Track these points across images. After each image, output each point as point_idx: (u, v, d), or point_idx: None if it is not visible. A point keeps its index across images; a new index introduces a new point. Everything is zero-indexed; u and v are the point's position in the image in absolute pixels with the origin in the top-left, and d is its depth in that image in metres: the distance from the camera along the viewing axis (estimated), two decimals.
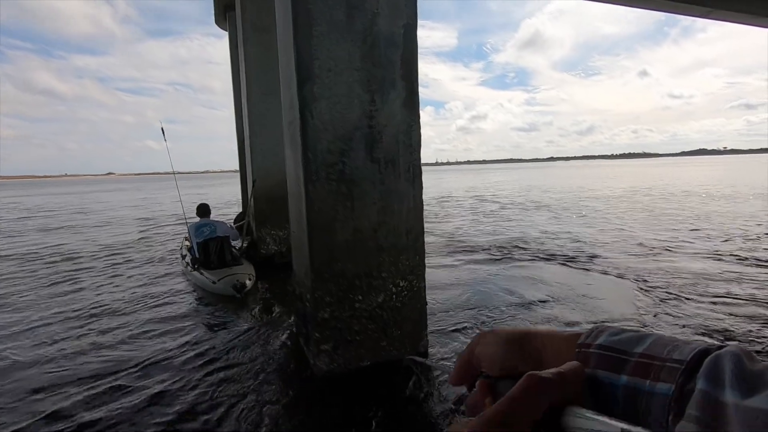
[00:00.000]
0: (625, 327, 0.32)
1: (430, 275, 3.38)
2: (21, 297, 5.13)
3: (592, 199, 15.87)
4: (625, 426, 0.24)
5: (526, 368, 0.29)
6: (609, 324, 0.32)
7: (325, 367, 2.92)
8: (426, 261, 3.15)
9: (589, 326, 0.33)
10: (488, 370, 0.34)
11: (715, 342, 0.27)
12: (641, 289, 4.70)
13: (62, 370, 3.19)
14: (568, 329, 0.34)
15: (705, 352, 0.27)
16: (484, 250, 7.04)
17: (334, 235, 2.87)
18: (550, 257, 6.37)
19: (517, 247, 7.22)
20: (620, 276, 5.27)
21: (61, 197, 31.10)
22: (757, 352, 3.11)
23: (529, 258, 6.35)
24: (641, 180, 28.66)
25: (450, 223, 10.37)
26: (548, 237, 8.12)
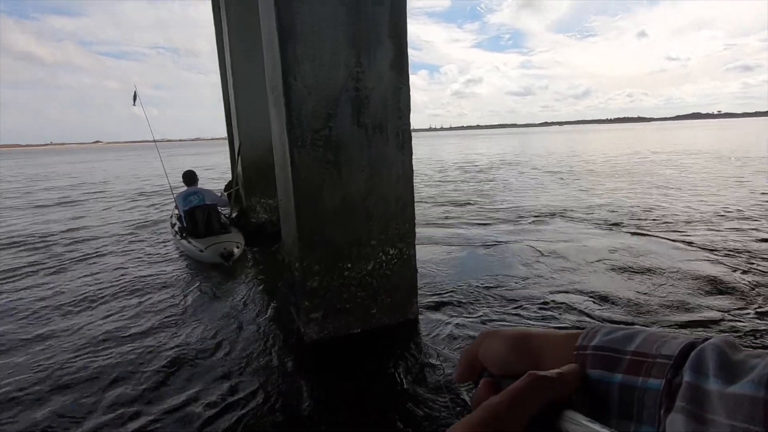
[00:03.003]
0: (617, 326, 0.33)
1: None
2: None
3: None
4: None
5: (525, 368, 0.30)
6: (603, 324, 0.34)
7: (315, 335, 2.93)
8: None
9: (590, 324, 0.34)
10: (491, 368, 0.36)
11: (702, 335, 0.26)
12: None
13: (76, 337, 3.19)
14: (566, 330, 0.35)
15: (691, 345, 0.28)
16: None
17: (322, 203, 2.80)
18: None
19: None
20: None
21: (57, 167, 30.53)
22: None
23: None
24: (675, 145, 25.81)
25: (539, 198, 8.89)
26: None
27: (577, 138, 50.67)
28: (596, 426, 0.27)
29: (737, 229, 5.66)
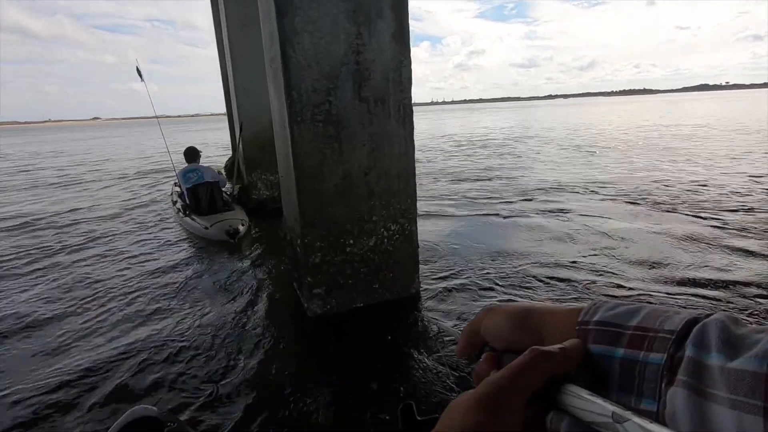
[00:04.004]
0: (620, 301, 0.32)
1: None
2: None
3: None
4: (617, 409, 0.25)
5: (527, 343, 0.31)
6: (605, 299, 0.34)
7: (319, 310, 2.96)
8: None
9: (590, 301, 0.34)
10: (493, 343, 0.36)
11: (705, 311, 0.26)
12: None
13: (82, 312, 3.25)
14: (568, 305, 0.35)
15: (694, 321, 0.28)
16: None
17: (323, 180, 2.78)
18: None
19: None
20: None
21: (58, 144, 30.36)
22: None
23: None
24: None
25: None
26: None
27: (585, 111, 49.51)
28: (597, 399, 0.27)
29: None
